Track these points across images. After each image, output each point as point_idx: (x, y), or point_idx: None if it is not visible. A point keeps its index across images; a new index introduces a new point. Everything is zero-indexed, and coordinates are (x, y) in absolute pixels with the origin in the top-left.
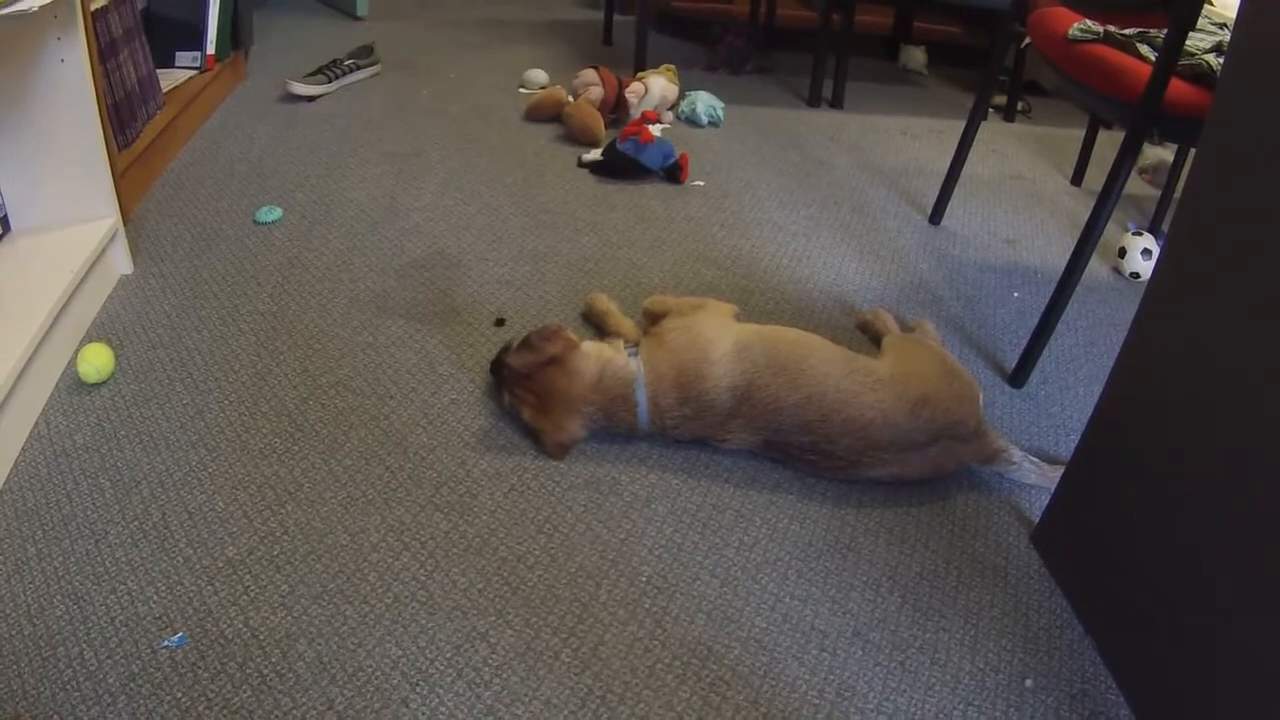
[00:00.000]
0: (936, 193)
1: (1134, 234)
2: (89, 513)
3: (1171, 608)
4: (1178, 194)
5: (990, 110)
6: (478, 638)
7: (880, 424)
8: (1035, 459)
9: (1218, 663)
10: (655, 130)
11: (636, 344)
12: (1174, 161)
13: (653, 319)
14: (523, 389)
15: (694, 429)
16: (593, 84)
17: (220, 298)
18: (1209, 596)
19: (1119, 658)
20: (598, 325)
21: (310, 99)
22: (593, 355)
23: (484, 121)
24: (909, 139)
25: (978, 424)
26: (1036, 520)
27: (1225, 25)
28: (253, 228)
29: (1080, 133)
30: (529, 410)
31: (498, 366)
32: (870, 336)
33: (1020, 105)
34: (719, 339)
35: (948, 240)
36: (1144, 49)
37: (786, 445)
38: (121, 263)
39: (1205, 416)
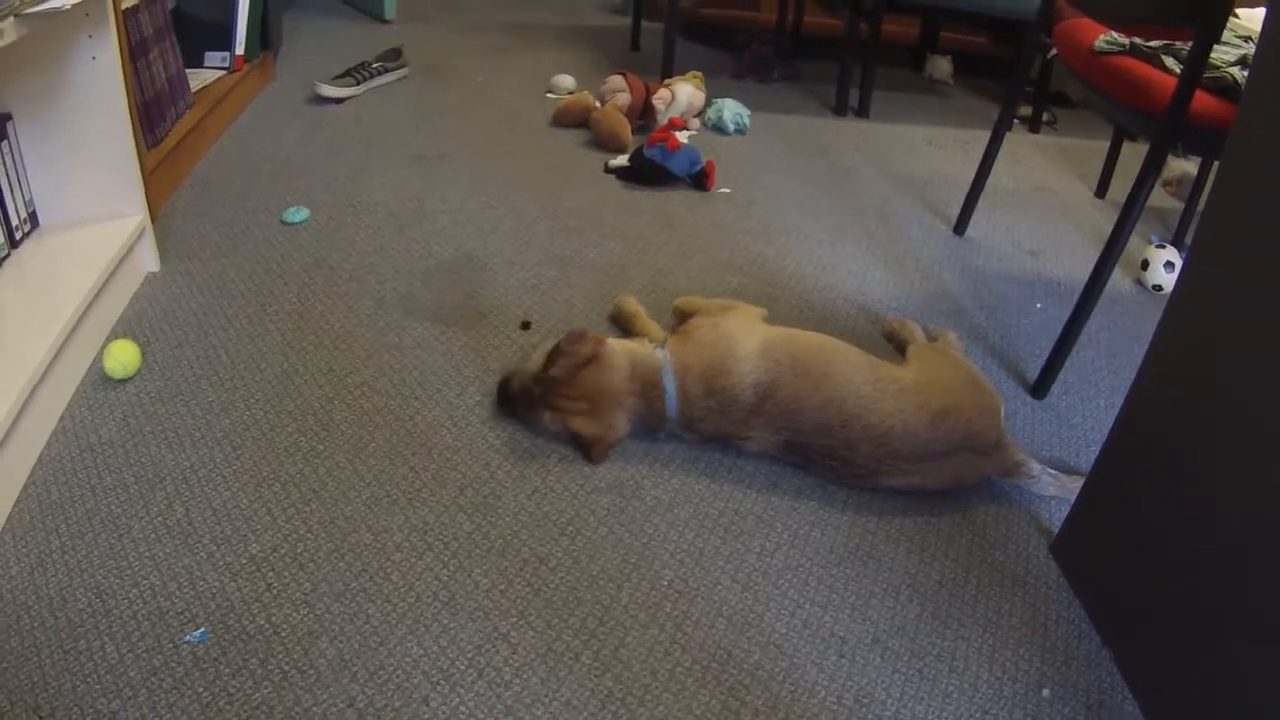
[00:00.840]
0: (961, 203)
1: (1157, 246)
2: (113, 507)
3: (1190, 620)
4: (1201, 207)
5: (1015, 121)
6: (499, 638)
7: (900, 433)
8: (1054, 471)
9: (1236, 675)
10: (682, 137)
11: (663, 343)
12: (1198, 174)
13: (682, 318)
14: (566, 397)
15: (718, 423)
16: (620, 90)
17: (247, 297)
18: (1229, 609)
19: (1136, 669)
20: (625, 328)
21: (338, 101)
22: (620, 349)
23: (511, 126)
24: (934, 149)
25: (998, 436)
26: (1056, 531)
27: (1250, 38)
28: (280, 228)
29: (1105, 144)
30: (579, 419)
31: (522, 393)
32: (896, 346)
33: (1046, 116)
34: (745, 337)
35: (972, 251)
36: (1169, 61)
37: (806, 448)
38: (149, 260)
39: (1227, 429)
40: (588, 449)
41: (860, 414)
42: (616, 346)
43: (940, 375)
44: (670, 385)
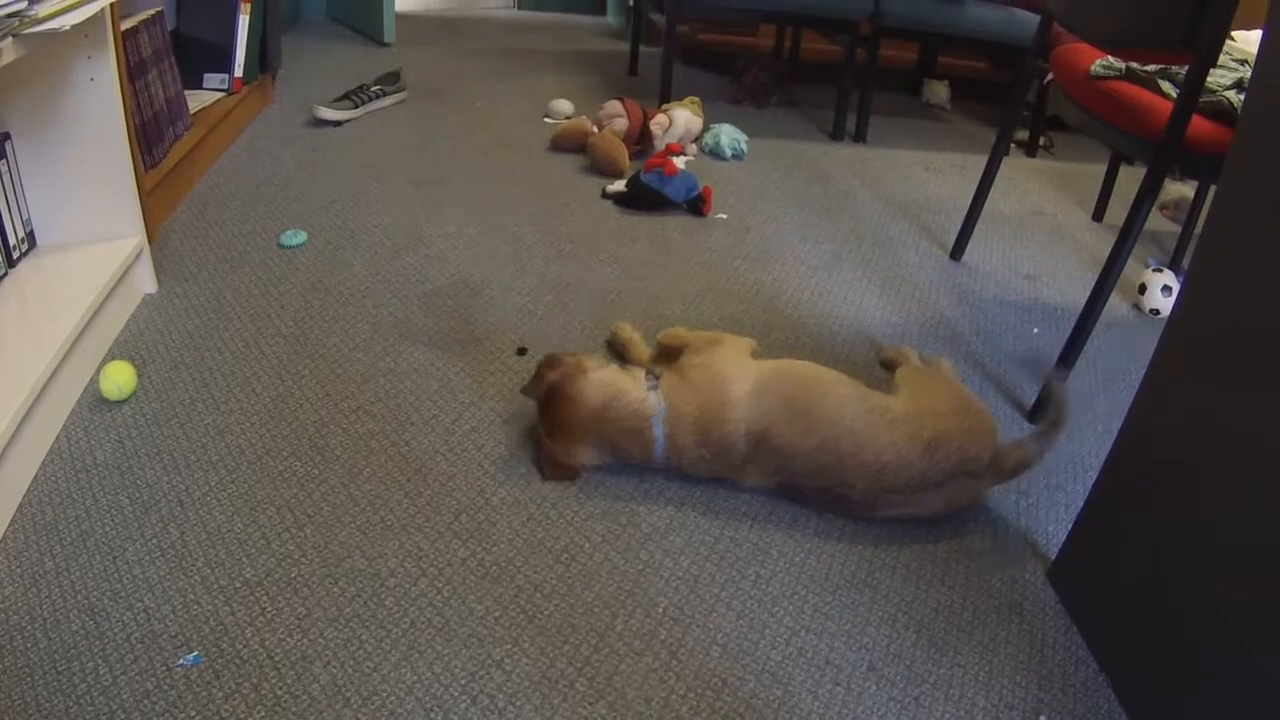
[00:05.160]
0: (958, 228)
1: (1154, 270)
2: (107, 529)
3: (1188, 646)
4: (1198, 230)
5: (1012, 145)
6: (493, 665)
7: (895, 466)
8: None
9: (1234, 702)
10: (679, 162)
11: (657, 375)
12: (1195, 198)
13: (667, 353)
14: (540, 414)
15: (710, 469)
16: (618, 115)
17: (243, 319)
18: (1226, 636)
19: (1134, 696)
20: (620, 355)
21: (336, 124)
22: (602, 383)
23: (509, 150)
24: (931, 174)
25: (992, 455)
26: (1054, 557)
27: (1246, 62)
28: (277, 251)
29: (1101, 168)
30: (545, 437)
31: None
32: (894, 372)
33: (1042, 141)
34: (739, 378)
35: (968, 276)
36: (1165, 86)
37: (801, 488)
38: (146, 282)
39: (1224, 455)
40: (542, 463)
41: (855, 452)
42: (601, 379)
43: (931, 403)
44: (660, 434)
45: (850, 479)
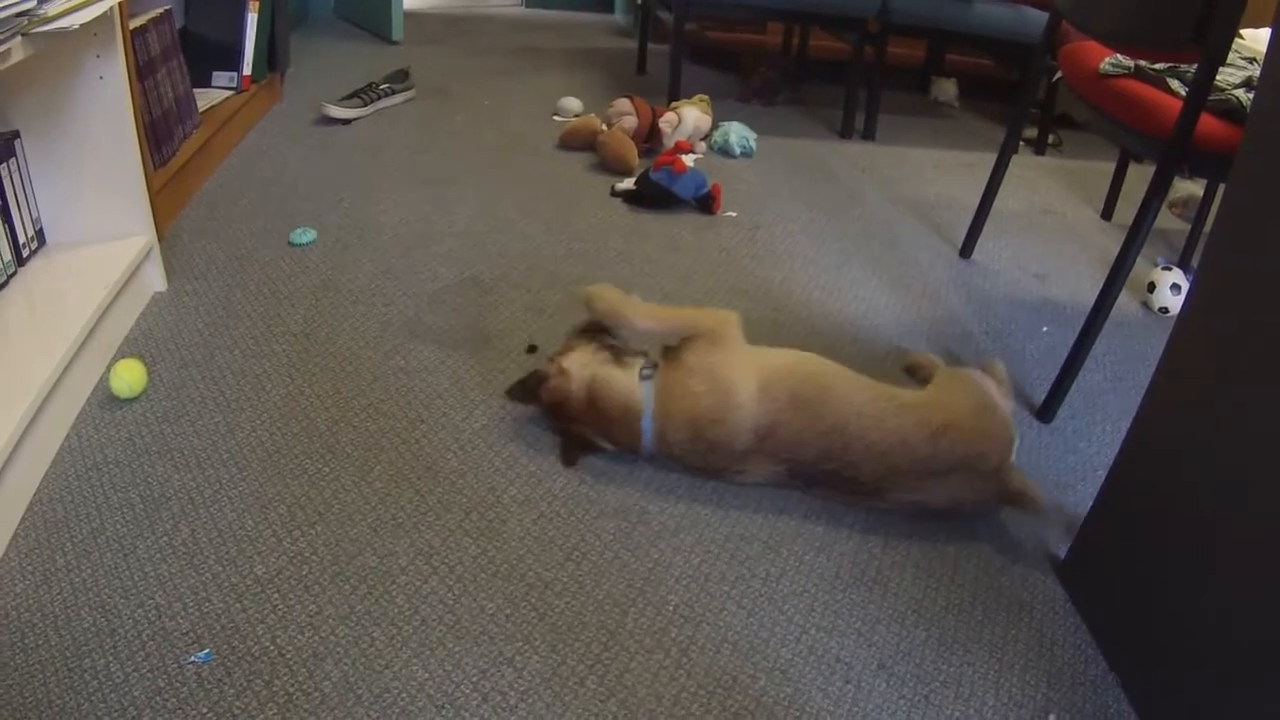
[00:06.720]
0: (967, 226)
1: (1163, 269)
2: (118, 526)
3: (1197, 644)
4: (1208, 228)
5: (1021, 143)
6: (504, 663)
7: (899, 449)
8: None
9: (1243, 701)
10: (688, 160)
11: (654, 365)
12: (1204, 196)
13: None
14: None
15: (704, 462)
16: (626, 113)
17: (253, 317)
18: (1235, 634)
19: (1143, 694)
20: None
21: (345, 122)
22: (586, 380)
23: (518, 148)
24: (940, 172)
25: (1000, 462)
26: (1063, 555)
27: (1255, 60)
28: (287, 249)
29: (1110, 167)
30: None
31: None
32: (918, 380)
33: (1051, 139)
34: (742, 382)
35: (978, 274)
36: (1174, 84)
37: (809, 475)
38: (155, 280)
39: (1233, 453)
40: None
41: (861, 434)
42: (581, 379)
43: (949, 397)
44: (648, 427)
45: (858, 462)
